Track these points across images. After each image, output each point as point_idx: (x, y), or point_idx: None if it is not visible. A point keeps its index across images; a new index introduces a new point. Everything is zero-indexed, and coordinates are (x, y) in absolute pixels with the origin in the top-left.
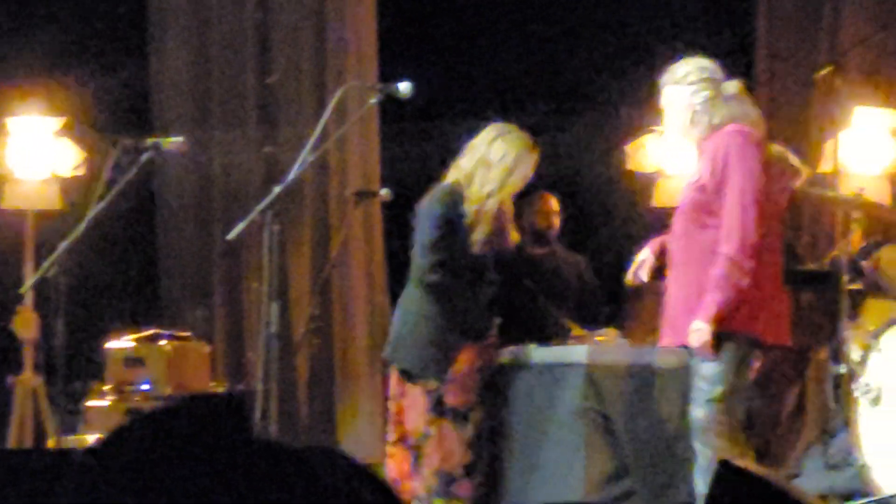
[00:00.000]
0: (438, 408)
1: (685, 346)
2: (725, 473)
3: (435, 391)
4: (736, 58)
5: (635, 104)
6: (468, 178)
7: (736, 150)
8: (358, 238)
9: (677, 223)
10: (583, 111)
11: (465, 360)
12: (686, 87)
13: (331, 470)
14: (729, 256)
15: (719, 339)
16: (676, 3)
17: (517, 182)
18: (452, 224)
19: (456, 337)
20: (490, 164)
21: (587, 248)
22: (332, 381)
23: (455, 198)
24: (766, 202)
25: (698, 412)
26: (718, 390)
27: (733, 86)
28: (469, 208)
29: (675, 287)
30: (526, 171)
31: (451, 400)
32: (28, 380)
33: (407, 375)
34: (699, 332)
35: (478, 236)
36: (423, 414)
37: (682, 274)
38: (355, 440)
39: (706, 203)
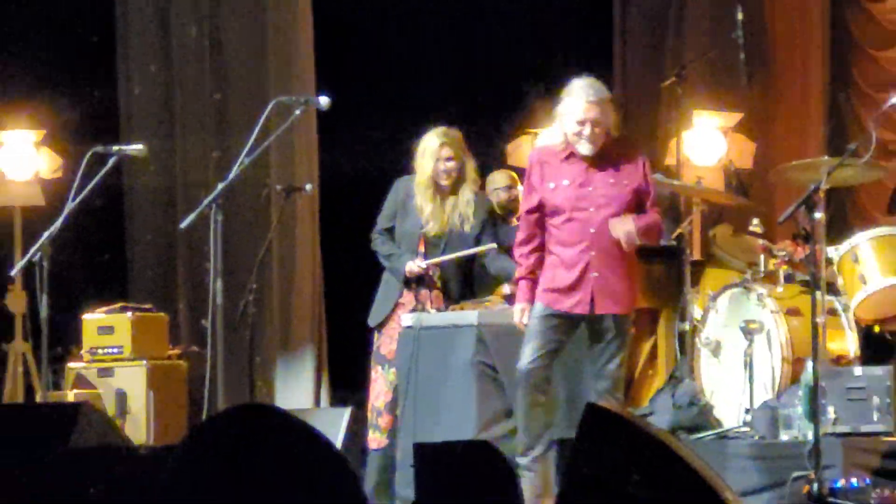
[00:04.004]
0: (376, 356)
1: None
2: (592, 413)
3: (376, 343)
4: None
5: (516, 111)
6: None
7: None
8: (303, 224)
9: None
10: (475, 116)
11: (395, 318)
12: None
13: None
14: None
15: None
16: (547, 27)
17: (425, 166)
18: (402, 205)
19: (392, 295)
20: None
21: None
22: (270, 343)
23: (406, 184)
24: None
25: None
26: None
27: None
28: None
29: None
30: (431, 154)
31: (383, 349)
32: (19, 346)
33: None
34: None
35: (426, 217)
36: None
37: None
38: (290, 397)
39: None
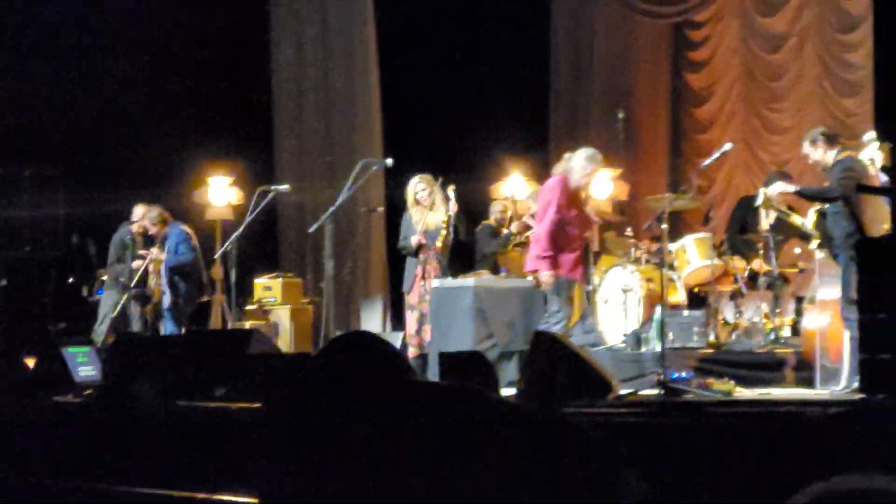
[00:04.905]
0: (408, 306)
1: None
2: (538, 335)
3: (407, 299)
4: (536, 147)
5: (492, 166)
6: None
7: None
8: (376, 230)
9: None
10: (471, 169)
11: (416, 284)
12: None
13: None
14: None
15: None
16: (508, 128)
17: (410, 196)
18: (408, 223)
19: (412, 271)
20: None
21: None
22: (357, 297)
23: (409, 213)
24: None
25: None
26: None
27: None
28: None
29: None
30: (412, 187)
31: (411, 301)
32: (219, 298)
33: None
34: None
35: (416, 221)
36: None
37: None
38: (368, 327)
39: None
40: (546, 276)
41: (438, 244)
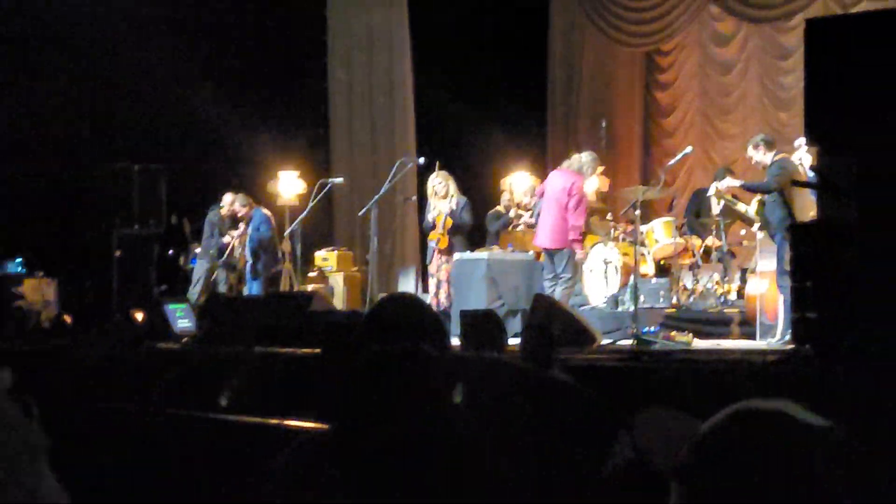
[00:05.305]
0: (430, 274)
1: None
2: (538, 297)
3: (430, 269)
4: (535, 149)
5: (502, 162)
6: None
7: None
8: (411, 215)
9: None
10: (485, 165)
11: (434, 257)
12: None
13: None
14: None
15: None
16: (517, 136)
17: (429, 188)
18: (426, 211)
19: (432, 245)
20: None
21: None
22: (395, 265)
23: (430, 202)
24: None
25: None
26: None
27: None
28: None
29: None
30: (431, 181)
31: (431, 270)
32: (287, 266)
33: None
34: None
35: (432, 207)
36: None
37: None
38: (404, 290)
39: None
40: (581, 253)
41: (429, 222)
